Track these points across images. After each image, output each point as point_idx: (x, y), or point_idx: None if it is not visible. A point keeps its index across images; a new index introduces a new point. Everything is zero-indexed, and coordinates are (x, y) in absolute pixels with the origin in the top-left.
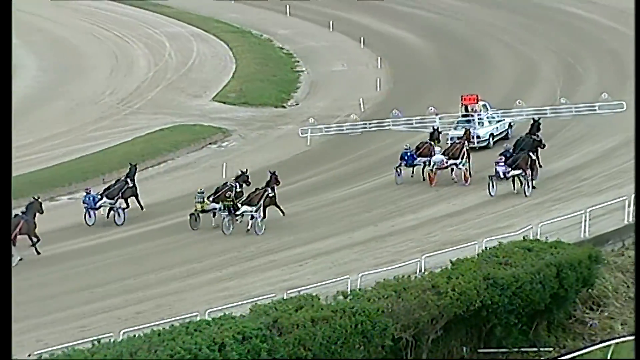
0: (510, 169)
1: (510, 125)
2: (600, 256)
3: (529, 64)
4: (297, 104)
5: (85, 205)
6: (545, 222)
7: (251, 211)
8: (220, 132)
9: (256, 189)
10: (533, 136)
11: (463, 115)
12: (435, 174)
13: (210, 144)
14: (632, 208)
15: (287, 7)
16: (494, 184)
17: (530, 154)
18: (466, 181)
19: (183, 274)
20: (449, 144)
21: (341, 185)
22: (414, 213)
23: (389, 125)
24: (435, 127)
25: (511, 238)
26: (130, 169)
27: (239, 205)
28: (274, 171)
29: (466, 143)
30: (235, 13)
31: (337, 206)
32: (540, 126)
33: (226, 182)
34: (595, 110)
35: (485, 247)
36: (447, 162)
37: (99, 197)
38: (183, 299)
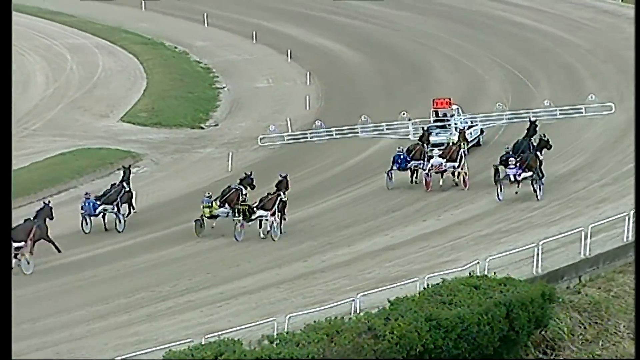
0: (521, 171)
1: (481, 132)
2: (554, 294)
3: (474, 79)
4: (216, 125)
5: (83, 211)
6: (493, 256)
7: (266, 216)
8: (130, 156)
9: (268, 194)
10: (531, 138)
11: (435, 120)
12: (430, 177)
13: (118, 169)
14: (589, 240)
15: (205, 15)
16: (502, 187)
17: (538, 154)
18: (465, 185)
19: (87, 317)
20: (445, 146)
21: None
22: (348, 246)
23: (357, 132)
24: (425, 128)
25: (456, 274)
26: (124, 172)
27: (255, 210)
28: (286, 174)
29: (463, 145)
30: (146, 22)
31: (261, 239)
32: (537, 128)
33: (230, 185)
34: (581, 112)
35: (428, 285)
36: (445, 165)
37: (98, 203)
38: (87, 346)
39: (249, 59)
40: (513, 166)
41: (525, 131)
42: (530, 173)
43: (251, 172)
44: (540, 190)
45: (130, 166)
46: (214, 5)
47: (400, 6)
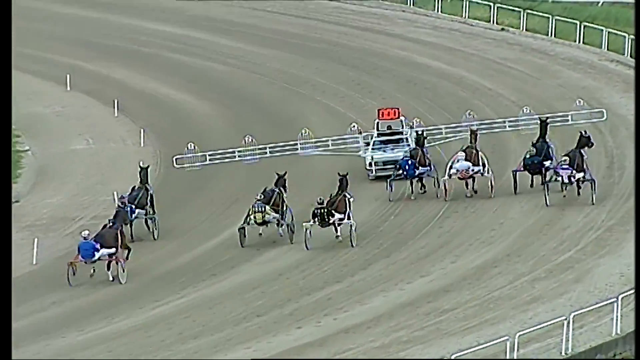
0: (575, 171)
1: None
2: None
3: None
4: (16, 201)
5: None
6: None
7: (342, 218)
8: None
9: (331, 195)
10: (546, 139)
11: (381, 134)
12: (450, 184)
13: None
14: (515, 354)
15: None
16: (548, 191)
17: (582, 152)
18: (492, 190)
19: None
20: (465, 149)
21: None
22: None
23: (296, 149)
24: (420, 132)
25: None
26: (143, 172)
27: (333, 212)
28: (346, 173)
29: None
30: None
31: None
32: (548, 126)
33: (265, 188)
34: (567, 120)
35: None
36: (473, 170)
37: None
38: None
39: (61, 112)
40: (567, 166)
41: (539, 132)
42: (583, 174)
43: (285, 173)
44: (595, 192)
45: (148, 166)
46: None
47: (265, 42)
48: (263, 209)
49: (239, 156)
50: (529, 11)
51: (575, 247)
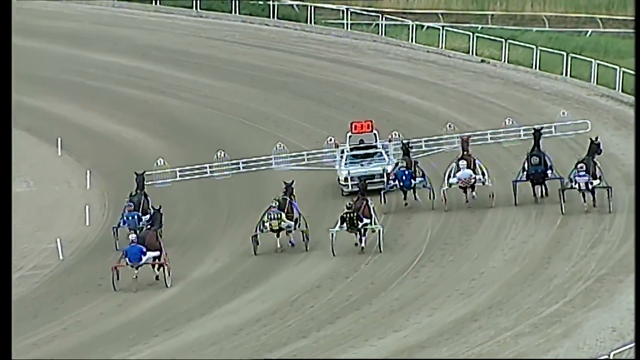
0: (592, 178)
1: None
2: None
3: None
4: None
5: (126, 225)
6: None
7: (370, 223)
8: None
9: (277, 199)
10: (542, 150)
11: (355, 148)
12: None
13: None
14: None
15: None
16: (565, 198)
17: (595, 160)
18: (493, 199)
19: None
20: (462, 157)
21: None
22: None
23: (270, 164)
24: (405, 142)
25: None
26: (140, 178)
27: (362, 217)
28: (365, 179)
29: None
30: None
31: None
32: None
33: (278, 197)
34: (552, 132)
35: None
36: (475, 178)
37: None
38: None
39: None
40: (584, 173)
41: (533, 141)
42: (598, 181)
43: (292, 181)
44: (611, 200)
45: (144, 172)
46: None
47: (223, 75)
48: (279, 215)
49: (210, 172)
50: (511, 41)
51: (563, 298)
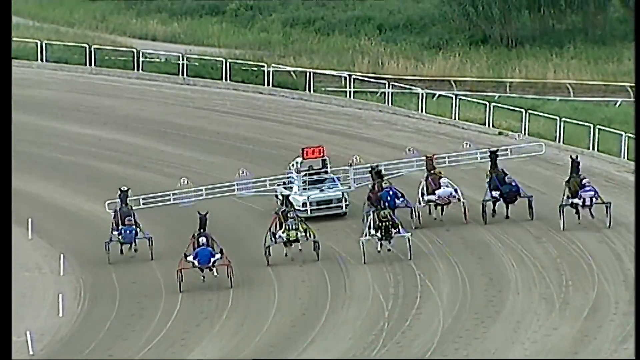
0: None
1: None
2: None
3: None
4: None
5: (124, 239)
6: None
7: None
8: None
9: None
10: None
11: (311, 173)
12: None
13: None
14: None
15: None
16: (564, 214)
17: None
18: (466, 218)
19: None
20: (431, 176)
21: None
22: None
23: (232, 190)
24: (375, 166)
25: None
26: (124, 194)
27: (397, 225)
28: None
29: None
30: None
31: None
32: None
33: (282, 209)
34: (507, 154)
35: None
36: (454, 196)
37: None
38: None
39: None
40: (591, 188)
41: (491, 164)
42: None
43: (289, 194)
44: (611, 215)
45: (128, 189)
46: None
47: (212, 148)
48: (297, 226)
49: (174, 199)
50: (531, 112)
51: None
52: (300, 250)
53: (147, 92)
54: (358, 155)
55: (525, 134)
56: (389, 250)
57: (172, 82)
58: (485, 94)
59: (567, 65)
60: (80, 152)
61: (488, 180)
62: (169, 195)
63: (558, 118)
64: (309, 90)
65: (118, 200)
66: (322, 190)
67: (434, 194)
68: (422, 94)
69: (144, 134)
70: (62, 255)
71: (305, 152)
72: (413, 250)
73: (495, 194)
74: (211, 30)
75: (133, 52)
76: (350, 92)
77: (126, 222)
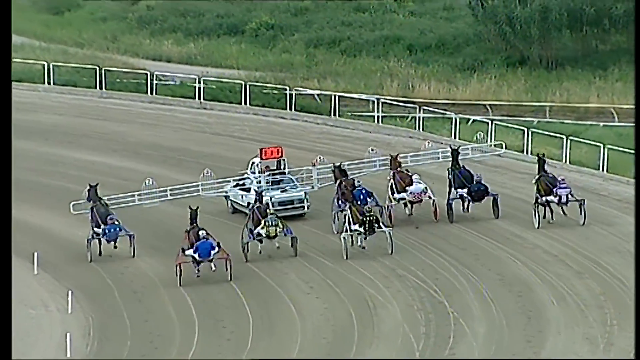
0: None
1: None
2: None
3: None
4: None
5: (107, 237)
6: None
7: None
8: None
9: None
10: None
11: (275, 173)
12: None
13: None
14: None
15: None
16: (539, 213)
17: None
18: (437, 217)
19: None
20: (401, 174)
21: None
22: None
23: (197, 191)
24: (337, 165)
25: None
26: (93, 191)
27: (379, 221)
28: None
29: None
30: None
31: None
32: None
33: (256, 205)
34: (467, 154)
35: None
36: (425, 192)
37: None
38: None
39: None
40: (565, 185)
41: (452, 160)
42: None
43: (262, 190)
44: (585, 212)
45: (97, 184)
46: None
47: (229, 176)
48: (277, 222)
49: (139, 199)
50: (573, 138)
51: None
52: (277, 247)
53: (160, 117)
54: (321, 156)
55: (566, 161)
56: (363, 247)
57: (188, 107)
58: (523, 119)
59: (612, 89)
60: (89, 181)
61: (451, 177)
62: (134, 196)
63: (601, 145)
64: (334, 115)
65: (86, 195)
66: (285, 190)
67: (406, 191)
68: (455, 119)
69: (157, 161)
70: (69, 291)
71: (264, 152)
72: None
73: (462, 192)
74: (229, 51)
75: (146, 74)
76: (378, 117)
77: (108, 222)
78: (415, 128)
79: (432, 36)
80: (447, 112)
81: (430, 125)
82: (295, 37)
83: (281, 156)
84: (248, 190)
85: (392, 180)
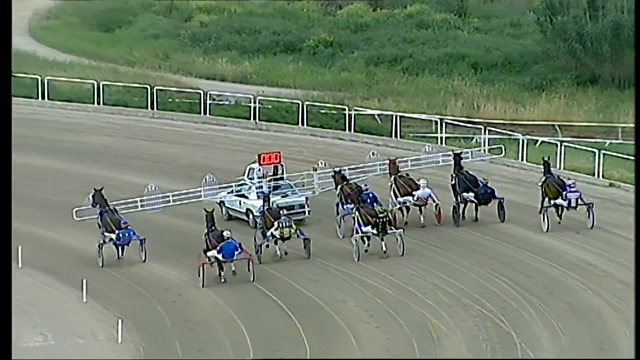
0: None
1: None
2: None
3: None
4: None
5: (120, 241)
6: None
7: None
8: None
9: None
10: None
11: (276, 179)
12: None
13: None
14: None
15: None
16: (548, 216)
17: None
18: (440, 220)
19: None
20: (406, 178)
21: None
22: None
23: (199, 196)
24: (338, 170)
25: None
26: (99, 193)
27: (392, 222)
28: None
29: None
30: None
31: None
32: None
33: (269, 207)
34: (468, 157)
35: None
36: (432, 197)
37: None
38: None
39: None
40: (575, 189)
41: (455, 166)
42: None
43: (270, 191)
44: (594, 215)
45: (102, 188)
46: None
47: None
48: (291, 223)
49: (141, 206)
50: None
51: None
52: (285, 253)
53: (214, 138)
54: (323, 160)
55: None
56: (366, 251)
57: (243, 127)
58: (593, 140)
59: None
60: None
61: (454, 183)
62: (137, 201)
63: None
64: (395, 136)
65: (91, 201)
66: (286, 195)
67: (411, 195)
68: (523, 140)
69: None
70: (119, 320)
71: (262, 157)
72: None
73: (469, 195)
74: (286, 69)
75: (199, 93)
76: (441, 138)
77: (122, 226)
78: (480, 150)
79: (498, 54)
80: (514, 134)
81: (496, 146)
82: (355, 54)
83: (279, 162)
84: (244, 196)
85: (394, 185)
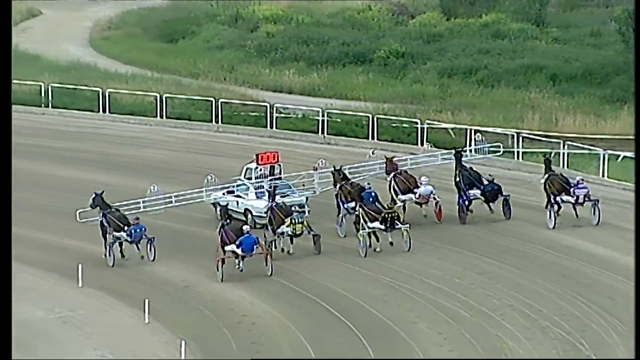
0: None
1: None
2: None
3: None
4: None
5: (133, 239)
6: None
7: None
8: None
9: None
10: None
11: (275, 179)
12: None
13: None
14: None
15: None
16: (554, 213)
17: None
18: (440, 218)
19: None
20: (407, 176)
21: None
22: None
23: (201, 197)
24: (337, 168)
25: None
26: (100, 197)
27: (400, 217)
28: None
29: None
30: None
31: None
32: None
33: (280, 204)
34: (467, 155)
35: None
36: (433, 194)
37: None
38: None
39: (69, 318)
40: (583, 185)
41: (457, 164)
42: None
43: (275, 189)
44: (600, 212)
45: (102, 191)
46: None
47: None
48: (303, 219)
49: (144, 207)
50: None
51: None
52: (291, 252)
53: (281, 152)
54: (323, 159)
55: None
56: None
57: (310, 142)
58: None
59: None
60: (201, 222)
61: (458, 180)
62: (140, 202)
63: None
64: (470, 151)
65: (92, 203)
66: (287, 195)
67: (413, 192)
68: (604, 155)
69: None
70: (182, 342)
71: (260, 157)
72: None
73: (474, 192)
74: (355, 81)
75: (265, 106)
76: (518, 152)
77: (133, 222)
78: (559, 165)
79: (577, 65)
80: (595, 148)
81: (575, 162)
82: (427, 66)
83: (277, 161)
84: (240, 196)
85: (393, 183)
